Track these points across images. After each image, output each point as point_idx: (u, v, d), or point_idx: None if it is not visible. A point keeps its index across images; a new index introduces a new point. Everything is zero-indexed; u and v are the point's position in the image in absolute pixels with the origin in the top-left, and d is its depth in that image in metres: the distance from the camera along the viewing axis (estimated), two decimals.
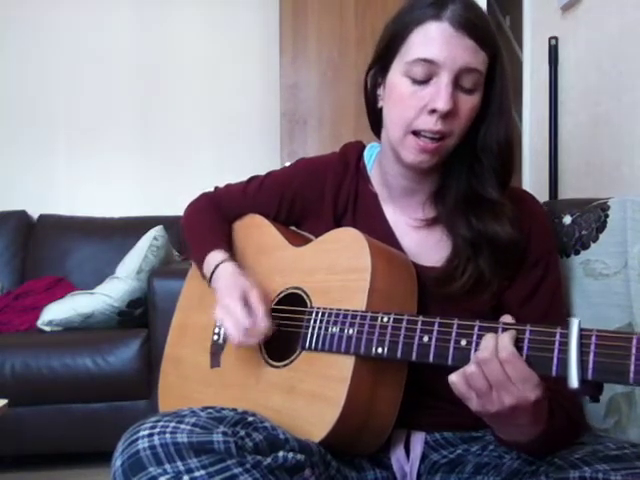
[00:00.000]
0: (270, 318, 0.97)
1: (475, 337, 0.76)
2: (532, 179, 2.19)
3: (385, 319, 0.85)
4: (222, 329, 1.09)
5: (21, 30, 3.07)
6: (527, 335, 0.72)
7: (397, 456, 0.95)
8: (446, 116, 0.88)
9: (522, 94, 2.31)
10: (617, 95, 1.57)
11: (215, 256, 1.08)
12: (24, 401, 2.06)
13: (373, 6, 2.74)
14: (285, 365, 0.96)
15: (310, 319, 0.93)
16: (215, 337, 1.10)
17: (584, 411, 1.03)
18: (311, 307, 0.95)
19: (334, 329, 0.89)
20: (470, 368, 0.74)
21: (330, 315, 0.91)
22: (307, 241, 1.08)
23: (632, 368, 0.63)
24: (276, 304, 1.03)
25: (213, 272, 1.06)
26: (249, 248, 1.15)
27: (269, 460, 0.76)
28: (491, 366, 0.72)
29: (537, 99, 2.13)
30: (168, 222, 2.63)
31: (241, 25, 3.16)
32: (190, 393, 1.11)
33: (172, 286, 1.85)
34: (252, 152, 3.11)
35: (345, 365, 0.87)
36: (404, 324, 0.83)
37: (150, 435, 0.74)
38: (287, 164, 1.23)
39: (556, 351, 0.69)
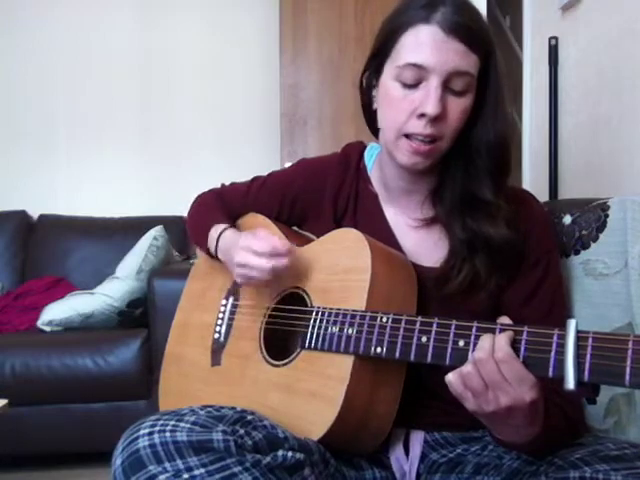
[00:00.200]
0: (285, 238, 0.98)
1: (473, 338, 0.76)
2: (532, 179, 2.19)
3: (384, 319, 0.85)
4: (223, 327, 1.09)
5: (21, 30, 3.07)
6: (524, 336, 0.73)
7: (396, 455, 0.95)
8: (435, 120, 0.88)
9: (522, 94, 2.31)
10: (617, 95, 1.57)
11: (216, 229, 1.10)
12: (24, 401, 2.05)
13: (373, 6, 2.74)
14: (285, 364, 0.96)
15: (310, 318, 0.93)
16: (216, 335, 1.10)
17: (583, 411, 1.03)
18: (311, 307, 0.95)
19: (334, 329, 0.89)
20: (466, 368, 0.74)
21: (330, 315, 0.91)
22: (308, 241, 1.08)
23: (628, 370, 0.63)
24: (276, 304, 1.03)
25: (217, 243, 1.08)
26: None
27: (268, 459, 0.76)
28: (487, 366, 0.72)
29: (537, 99, 2.13)
30: (168, 222, 2.64)
31: (241, 25, 3.16)
32: (190, 391, 1.11)
33: (172, 286, 1.85)
34: (252, 152, 3.11)
35: (344, 364, 0.87)
36: (403, 324, 0.83)
37: (150, 434, 0.74)
38: (287, 164, 1.24)
39: (553, 352, 0.70)
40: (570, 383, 0.67)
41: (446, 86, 0.88)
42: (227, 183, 1.26)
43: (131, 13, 3.12)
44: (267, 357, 0.99)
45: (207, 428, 0.75)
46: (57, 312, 2.33)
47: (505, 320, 0.76)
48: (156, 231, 2.53)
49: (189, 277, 1.25)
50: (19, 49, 3.07)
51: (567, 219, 1.13)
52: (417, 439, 0.96)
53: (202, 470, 0.73)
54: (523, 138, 2.29)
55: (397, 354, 0.82)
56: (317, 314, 0.93)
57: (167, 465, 0.73)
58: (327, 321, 0.91)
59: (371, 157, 1.09)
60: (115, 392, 2.14)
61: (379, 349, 0.84)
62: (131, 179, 3.11)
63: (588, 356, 0.67)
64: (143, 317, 2.32)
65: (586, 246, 1.09)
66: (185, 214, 1.27)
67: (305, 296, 0.98)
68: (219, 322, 1.11)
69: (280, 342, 1.01)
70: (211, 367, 1.08)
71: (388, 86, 0.92)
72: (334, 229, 1.03)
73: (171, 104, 3.14)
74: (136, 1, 3.12)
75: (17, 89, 3.08)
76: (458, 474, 0.94)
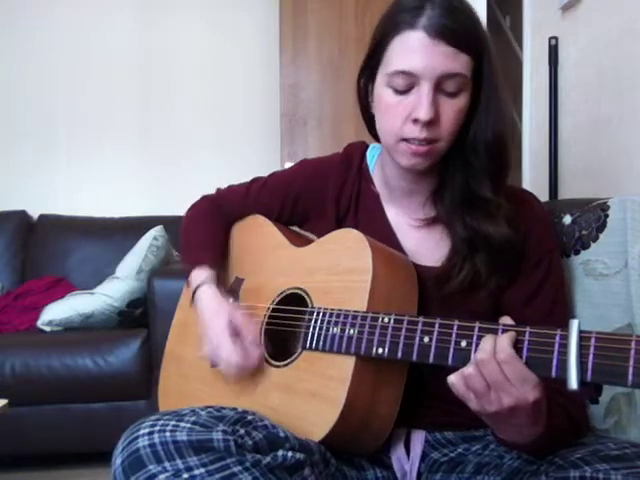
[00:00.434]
0: (259, 345, 0.99)
1: (475, 338, 0.76)
2: (532, 179, 2.19)
3: (386, 320, 0.85)
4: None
5: (21, 30, 3.07)
6: (527, 337, 0.73)
7: (397, 455, 0.95)
8: (430, 124, 0.88)
9: (522, 94, 2.31)
10: (617, 95, 1.57)
11: (197, 275, 1.08)
12: (24, 401, 2.05)
13: (373, 6, 2.74)
14: (286, 365, 0.96)
15: (311, 319, 0.93)
16: None
17: (587, 410, 1.03)
18: (312, 307, 0.95)
19: (335, 329, 0.89)
20: (468, 369, 0.74)
21: (331, 315, 0.91)
22: (309, 241, 1.08)
23: (631, 370, 0.63)
24: (277, 304, 1.03)
25: (195, 293, 1.07)
26: (250, 248, 1.16)
27: (268, 459, 0.76)
28: (489, 367, 0.72)
29: (537, 99, 2.13)
30: (168, 222, 2.63)
31: (241, 25, 3.16)
32: (190, 391, 1.11)
33: (172, 286, 1.85)
34: (252, 152, 3.11)
35: (346, 365, 0.87)
36: (405, 325, 0.83)
37: (150, 433, 0.74)
38: (287, 164, 1.24)
39: (556, 353, 0.70)
40: (573, 383, 0.67)
41: (439, 88, 0.87)
42: (227, 183, 1.25)
43: (131, 13, 3.12)
44: (268, 358, 0.99)
45: (207, 428, 0.75)
46: (57, 312, 2.33)
47: (507, 320, 0.76)
48: (156, 231, 2.53)
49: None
50: (19, 49, 3.07)
51: (567, 219, 1.13)
52: (418, 439, 0.97)
53: (202, 470, 0.73)
54: (523, 138, 2.29)
55: (399, 354, 0.82)
56: (318, 315, 0.93)
57: (167, 465, 0.73)
58: (328, 322, 0.91)
59: (373, 157, 1.09)
60: (115, 392, 2.14)
61: (380, 350, 0.84)
62: (131, 179, 3.11)
63: (591, 356, 0.67)
64: (143, 317, 2.32)
65: (586, 246, 1.09)
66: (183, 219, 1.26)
67: (306, 297, 0.98)
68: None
69: (281, 343, 1.01)
70: (211, 367, 1.08)
71: (381, 92, 0.92)
72: (336, 229, 1.03)
73: (171, 104, 3.14)
74: (136, 1, 3.12)
75: (17, 89, 3.08)
76: (459, 473, 0.94)
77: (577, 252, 1.10)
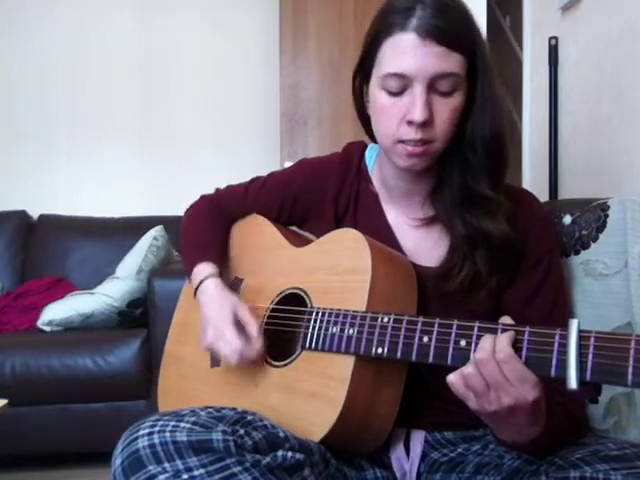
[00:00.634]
0: (262, 336, 0.98)
1: (475, 338, 0.76)
2: (532, 179, 2.19)
3: (385, 319, 0.85)
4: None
5: (21, 30, 3.07)
6: (526, 336, 0.73)
7: (397, 455, 0.95)
8: (425, 124, 0.88)
9: (522, 94, 2.31)
10: (617, 95, 1.57)
11: (202, 269, 1.08)
12: (24, 401, 2.05)
13: (373, 6, 2.72)
14: (285, 365, 0.96)
15: (310, 319, 0.93)
16: None
17: (586, 410, 1.03)
18: (311, 307, 0.95)
19: (334, 329, 0.89)
20: (467, 369, 0.74)
21: (330, 315, 0.91)
22: (308, 242, 1.08)
23: (630, 370, 0.63)
24: (276, 304, 1.03)
25: (198, 286, 1.07)
26: (250, 248, 1.16)
27: (268, 459, 0.76)
28: (488, 367, 0.72)
29: (537, 99, 2.13)
30: (168, 222, 2.63)
31: (241, 25, 3.16)
32: (190, 392, 1.11)
33: (172, 286, 1.85)
34: (252, 152, 3.11)
35: (345, 365, 0.87)
36: (404, 324, 0.83)
37: (150, 434, 0.74)
38: (287, 164, 1.24)
39: (555, 352, 0.70)
40: (572, 383, 0.67)
41: (432, 88, 0.87)
42: (227, 183, 1.25)
43: (131, 13, 3.12)
44: (267, 358, 0.99)
45: (207, 428, 0.75)
46: (57, 312, 2.33)
47: (507, 320, 0.76)
48: (156, 231, 2.53)
49: (187, 277, 1.25)
50: (19, 49, 3.07)
51: (567, 219, 1.13)
52: (418, 439, 0.97)
53: (202, 470, 0.73)
54: (523, 138, 2.29)
55: (399, 354, 0.82)
56: (317, 314, 0.93)
57: (167, 465, 0.73)
58: (327, 322, 0.91)
59: (371, 157, 1.09)
60: (115, 392, 2.14)
61: (380, 349, 0.84)
62: (131, 179, 3.11)
63: (590, 356, 0.67)
64: (143, 317, 2.32)
65: (586, 246, 1.09)
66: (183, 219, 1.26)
67: (305, 297, 0.98)
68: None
69: (280, 343, 1.01)
70: (210, 368, 1.08)
71: (376, 95, 0.92)
72: (335, 229, 1.03)
73: (171, 104, 3.14)
74: (136, 1, 3.12)
75: (17, 89, 3.08)
76: (459, 473, 0.94)
77: (577, 252, 1.10)
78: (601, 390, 0.68)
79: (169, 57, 3.15)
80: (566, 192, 1.88)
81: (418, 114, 0.86)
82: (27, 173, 3.06)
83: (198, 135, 3.15)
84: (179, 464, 0.73)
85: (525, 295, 0.96)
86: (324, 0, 2.81)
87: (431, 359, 0.79)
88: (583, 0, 1.77)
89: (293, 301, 1.00)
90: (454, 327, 0.78)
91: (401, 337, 0.83)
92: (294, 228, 1.16)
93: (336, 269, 0.95)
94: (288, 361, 0.95)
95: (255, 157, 3.07)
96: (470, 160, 0.93)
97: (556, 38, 1.91)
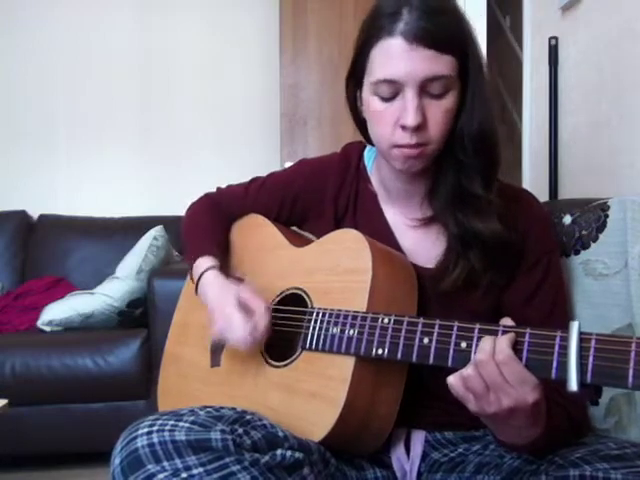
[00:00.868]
0: (269, 313, 0.97)
1: (475, 339, 0.76)
2: (532, 179, 2.19)
3: (386, 320, 0.85)
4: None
5: (21, 30, 3.07)
6: (527, 338, 0.73)
7: (397, 455, 0.95)
8: (418, 128, 0.88)
9: (522, 94, 2.31)
10: (617, 95, 1.57)
11: (202, 263, 1.08)
12: (24, 401, 2.05)
13: None
14: (285, 365, 0.96)
15: (311, 319, 0.93)
16: None
17: (587, 410, 1.02)
18: (312, 307, 0.95)
19: (335, 330, 0.89)
20: (467, 370, 0.74)
21: (331, 316, 0.91)
22: (308, 242, 1.08)
23: (631, 372, 0.63)
24: (277, 304, 1.03)
25: (199, 279, 1.06)
26: (250, 248, 1.16)
27: (267, 458, 0.76)
28: (488, 368, 0.72)
29: (537, 99, 2.13)
30: (168, 222, 2.63)
31: (241, 25, 3.16)
32: (190, 391, 1.11)
33: (172, 286, 1.85)
34: (252, 152, 3.11)
35: (346, 365, 0.87)
36: (405, 325, 0.83)
37: (149, 433, 0.74)
38: (287, 164, 1.24)
39: (556, 354, 0.70)
40: (573, 385, 0.67)
41: (424, 91, 0.87)
42: (227, 183, 1.25)
43: (131, 13, 3.12)
44: (267, 358, 0.99)
45: (206, 427, 0.75)
46: (57, 312, 2.33)
47: (507, 322, 0.76)
48: (156, 231, 2.53)
49: (187, 277, 1.25)
50: (19, 49, 3.07)
51: (567, 219, 1.13)
52: (418, 439, 0.97)
53: (200, 469, 0.73)
54: (523, 138, 2.29)
55: (399, 355, 0.82)
56: (318, 315, 0.93)
57: (165, 464, 0.73)
58: (328, 322, 0.91)
59: (370, 157, 1.09)
60: (115, 392, 2.14)
61: (380, 350, 0.84)
62: (131, 179, 3.11)
63: (591, 358, 0.67)
64: (143, 317, 2.32)
65: (586, 246, 1.09)
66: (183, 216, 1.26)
67: (305, 297, 0.98)
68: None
69: (280, 343, 1.01)
70: (210, 368, 1.08)
71: (369, 100, 0.92)
72: (335, 229, 1.03)
73: (171, 104, 3.14)
74: (136, 1, 3.12)
75: (17, 89, 3.08)
76: (459, 473, 0.94)
77: (577, 252, 1.10)
78: (601, 392, 0.68)
79: (169, 57, 3.15)
80: (566, 192, 1.88)
81: (410, 119, 0.86)
82: (27, 173, 3.06)
83: (198, 135, 3.15)
84: (178, 463, 0.73)
85: (525, 295, 0.96)
86: (324, 0, 2.81)
87: (431, 360, 0.79)
88: (583, 0, 1.77)
89: (293, 301, 1.00)
90: (455, 329, 0.78)
91: (401, 338, 0.83)
92: (294, 228, 1.16)
93: (336, 269, 0.95)
94: (288, 361, 0.95)
95: (255, 157, 3.07)
96: (462, 159, 0.93)
97: (556, 38, 1.91)
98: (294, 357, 0.95)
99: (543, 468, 0.82)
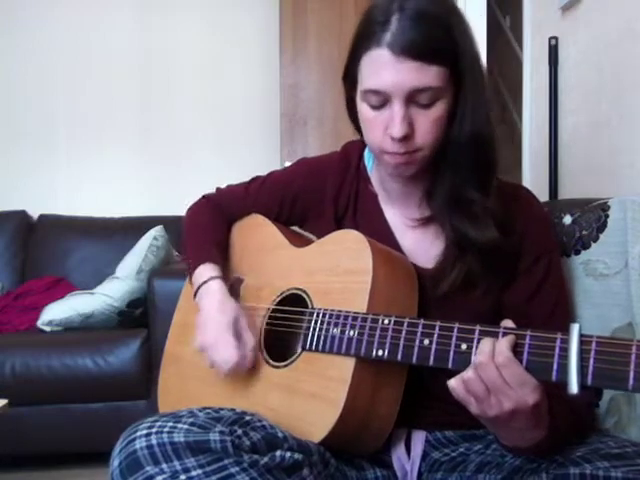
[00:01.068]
0: (256, 352, 0.99)
1: (475, 341, 0.76)
2: (532, 179, 2.19)
3: (386, 321, 0.85)
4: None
5: (21, 30, 3.07)
6: (527, 340, 0.73)
7: (398, 455, 0.95)
8: (405, 138, 0.88)
9: (522, 94, 2.31)
10: (617, 95, 1.57)
11: (204, 271, 1.07)
12: (24, 401, 2.05)
13: None
14: (286, 365, 0.96)
15: (311, 320, 0.93)
16: None
17: (592, 408, 1.02)
18: (312, 308, 0.95)
19: (335, 330, 0.89)
20: (467, 373, 0.74)
21: (331, 316, 0.91)
22: (308, 242, 1.08)
23: (631, 375, 0.63)
24: (277, 304, 1.03)
25: (199, 288, 1.06)
26: (250, 248, 1.15)
27: (266, 459, 0.76)
28: (488, 371, 0.72)
29: (537, 99, 2.13)
30: (168, 222, 2.63)
31: (241, 25, 3.16)
32: (190, 392, 1.11)
33: (172, 286, 1.85)
34: (252, 152, 3.11)
35: (346, 366, 0.87)
36: (405, 327, 0.83)
37: (147, 435, 0.74)
38: (287, 164, 1.24)
39: (556, 357, 0.70)
40: (573, 387, 0.67)
41: (412, 101, 0.86)
42: (227, 183, 1.25)
43: (131, 13, 3.12)
44: (267, 358, 0.99)
45: (205, 429, 0.75)
46: (57, 312, 2.33)
47: (508, 324, 0.76)
48: (156, 231, 2.53)
49: (187, 277, 1.25)
50: (19, 49, 3.07)
51: (567, 219, 1.13)
52: (419, 439, 0.96)
53: (199, 471, 0.73)
54: (523, 138, 2.29)
55: (399, 357, 0.82)
56: (318, 315, 0.93)
57: (164, 466, 0.73)
58: (328, 323, 0.91)
59: (370, 157, 1.09)
60: (115, 392, 2.14)
61: (381, 352, 0.84)
62: (131, 179, 3.11)
63: (591, 360, 0.67)
64: (143, 317, 2.32)
65: (586, 246, 1.09)
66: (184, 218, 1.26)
67: (305, 297, 0.98)
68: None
69: (280, 343, 1.01)
70: (210, 368, 1.08)
71: (360, 107, 0.92)
72: (335, 229, 1.03)
73: (171, 104, 3.14)
74: (136, 1, 3.13)
75: (17, 89, 3.08)
76: (460, 472, 0.94)
77: (577, 252, 1.10)
78: (602, 394, 0.68)
79: (169, 57, 3.15)
80: (566, 192, 1.88)
81: (396, 131, 0.86)
82: (27, 173, 3.06)
83: (198, 135, 3.15)
84: (177, 465, 0.73)
85: (526, 295, 0.96)
86: (324, 0, 2.81)
87: (432, 362, 0.79)
88: (583, 0, 1.76)
89: (294, 301, 1.00)
90: (455, 330, 0.78)
91: (402, 340, 0.83)
92: (295, 228, 1.16)
93: (337, 270, 0.95)
94: (288, 362, 0.95)
95: (255, 157, 3.07)
96: (457, 163, 0.92)
97: (556, 38, 1.91)
98: (294, 357, 0.95)
99: (544, 466, 0.82)
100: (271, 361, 0.98)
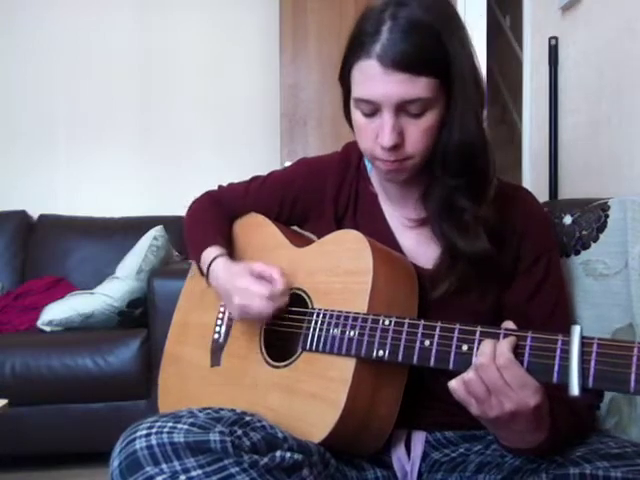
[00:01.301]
0: (284, 277, 0.97)
1: (476, 342, 0.76)
2: (532, 179, 2.19)
3: (386, 322, 0.85)
4: (222, 328, 1.09)
5: (21, 30, 3.07)
6: (528, 342, 0.73)
7: (398, 455, 0.95)
8: (395, 147, 0.88)
9: (522, 94, 2.31)
10: (617, 95, 1.57)
11: (210, 252, 1.08)
12: (24, 401, 2.05)
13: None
14: (286, 365, 0.96)
15: (311, 320, 0.93)
16: (216, 336, 1.10)
17: (593, 410, 1.02)
18: (312, 308, 0.95)
19: (335, 331, 0.89)
20: (468, 374, 0.74)
21: (331, 317, 0.91)
22: (308, 242, 1.08)
23: (633, 377, 0.63)
24: None
25: (209, 268, 1.06)
26: (250, 247, 1.15)
27: (266, 459, 0.76)
28: (489, 372, 0.72)
29: (537, 99, 2.13)
30: (168, 222, 2.63)
31: (241, 25, 3.16)
32: (190, 391, 1.11)
33: (172, 286, 1.85)
34: (252, 152, 3.11)
35: (346, 366, 0.87)
36: (405, 327, 0.83)
37: (147, 435, 0.74)
38: (287, 164, 1.24)
39: (557, 358, 0.70)
40: (574, 389, 0.67)
41: (402, 110, 0.87)
42: (227, 183, 1.25)
43: (131, 13, 3.12)
44: (267, 358, 0.99)
45: (204, 429, 0.75)
46: (57, 312, 2.33)
47: (509, 325, 0.76)
48: (156, 231, 2.52)
49: (187, 277, 1.25)
50: (19, 49, 3.07)
51: (567, 219, 1.13)
52: (419, 439, 0.96)
53: (199, 471, 0.73)
54: (523, 138, 2.29)
55: (400, 357, 0.82)
56: (318, 316, 0.93)
57: (164, 466, 0.73)
58: (328, 323, 0.91)
59: None
60: (115, 392, 2.14)
61: (381, 352, 0.84)
62: (131, 179, 3.11)
63: (593, 362, 0.67)
64: (143, 317, 2.32)
65: (586, 246, 1.09)
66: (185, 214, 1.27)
67: (306, 297, 0.98)
68: (218, 322, 1.11)
69: (280, 343, 1.01)
70: (210, 367, 1.08)
71: (354, 113, 0.93)
72: (335, 229, 1.03)
73: (171, 104, 3.14)
74: (136, 1, 3.12)
75: (17, 89, 3.08)
76: (460, 473, 0.94)
77: (577, 252, 1.10)
78: (603, 396, 0.68)
79: (169, 57, 3.15)
80: (566, 192, 1.88)
81: (386, 140, 0.87)
82: (27, 173, 3.06)
83: (198, 135, 3.15)
84: (176, 465, 0.73)
85: (526, 295, 0.96)
86: (324, 0, 2.81)
87: (432, 363, 0.79)
88: (583, 0, 1.76)
89: (294, 302, 1.00)
90: (456, 331, 0.78)
91: (402, 340, 0.83)
92: (295, 228, 1.16)
93: (337, 270, 0.95)
94: (289, 362, 0.95)
95: (255, 157, 3.06)
96: (449, 170, 0.91)
97: (556, 38, 1.91)
98: (294, 358, 0.95)
99: (544, 467, 0.82)
100: (271, 361, 0.98)
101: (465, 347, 0.77)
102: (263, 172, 1.20)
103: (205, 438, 0.74)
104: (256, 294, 0.95)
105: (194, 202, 1.24)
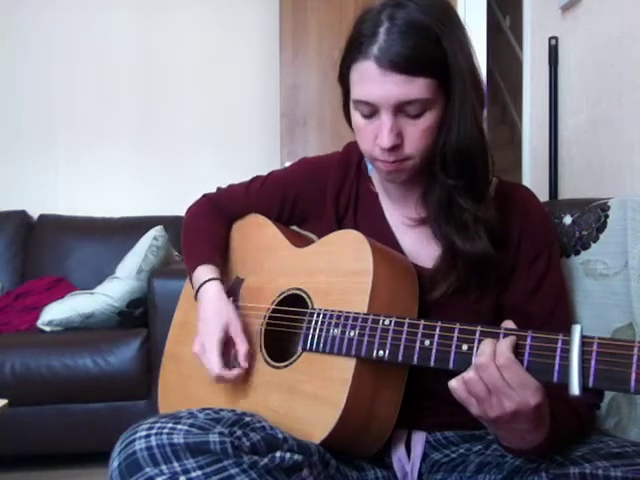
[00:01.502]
0: (248, 360, 0.99)
1: (477, 342, 0.76)
2: (532, 179, 2.19)
3: (387, 322, 0.85)
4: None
5: (21, 30, 3.06)
6: (529, 341, 0.73)
7: (398, 455, 0.95)
8: (394, 148, 0.88)
9: (522, 94, 2.31)
10: (617, 95, 1.57)
11: (204, 272, 1.08)
12: (24, 401, 2.05)
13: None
14: (286, 366, 0.96)
15: (311, 320, 0.93)
16: None
17: (593, 410, 1.02)
18: (312, 308, 0.95)
19: (335, 331, 0.89)
20: (468, 374, 0.74)
21: (331, 317, 0.91)
22: (309, 242, 1.08)
23: (633, 377, 0.63)
24: (277, 304, 1.03)
25: (199, 289, 1.07)
26: (250, 248, 1.15)
27: (266, 460, 0.76)
28: (489, 372, 0.72)
29: (537, 99, 2.13)
30: (168, 222, 2.63)
31: (241, 25, 3.16)
32: (190, 392, 1.11)
33: (172, 286, 1.85)
34: (252, 152, 3.11)
35: (346, 367, 0.87)
36: (406, 327, 0.83)
37: (147, 436, 0.74)
38: (287, 164, 1.24)
39: (558, 358, 0.70)
40: (575, 389, 0.67)
41: (401, 111, 0.87)
42: (227, 183, 1.25)
43: (131, 13, 3.12)
44: (268, 359, 0.99)
45: (204, 430, 0.75)
46: (57, 312, 2.32)
47: (510, 325, 0.76)
48: (156, 231, 2.52)
49: (188, 277, 1.25)
50: (19, 49, 3.07)
51: (567, 219, 1.13)
52: (419, 439, 0.96)
53: (199, 472, 0.73)
54: (523, 138, 2.29)
55: (400, 357, 0.82)
56: (318, 316, 0.93)
57: (163, 467, 0.73)
58: (329, 323, 0.91)
59: None
60: (115, 392, 2.14)
61: (381, 352, 0.84)
62: (131, 179, 3.11)
63: (593, 362, 0.67)
64: (143, 317, 2.32)
65: (586, 246, 1.09)
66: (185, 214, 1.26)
67: (306, 297, 0.98)
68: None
69: (281, 343, 1.01)
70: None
71: (353, 114, 0.93)
72: (336, 229, 1.03)
73: (171, 104, 3.14)
74: (136, 1, 3.12)
75: (17, 89, 3.08)
76: (460, 473, 0.94)
77: (577, 252, 1.10)
78: (603, 396, 0.68)
79: (169, 56, 3.15)
80: (566, 192, 1.88)
81: (385, 142, 0.87)
82: (27, 173, 3.06)
83: (198, 135, 3.15)
84: (176, 466, 0.73)
85: (527, 292, 0.96)
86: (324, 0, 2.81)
87: (433, 363, 0.79)
88: (583, 0, 1.76)
89: (294, 302, 1.00)
90: (456, 331, 0.78)
91: (403, 340, 0.83)
92: (295, 228, 1.16)
93: (337, 270, 0.95)
94: (289, 362, 0.95)
95: (255, 157, 3.06)
96: (448, 171, 0.91)
97: (556, 38, 1.91)
98: (294, 358, 0.95)
99: (544, 466, 0.82)
100: (271, 361, 0.98)
101: (465, 347, 0.77)
102: (263, 172, 1.20)
103: (205, 439, 0.74)
104: (212, 363, 0.99)
105: (192, 206, 1.24)
